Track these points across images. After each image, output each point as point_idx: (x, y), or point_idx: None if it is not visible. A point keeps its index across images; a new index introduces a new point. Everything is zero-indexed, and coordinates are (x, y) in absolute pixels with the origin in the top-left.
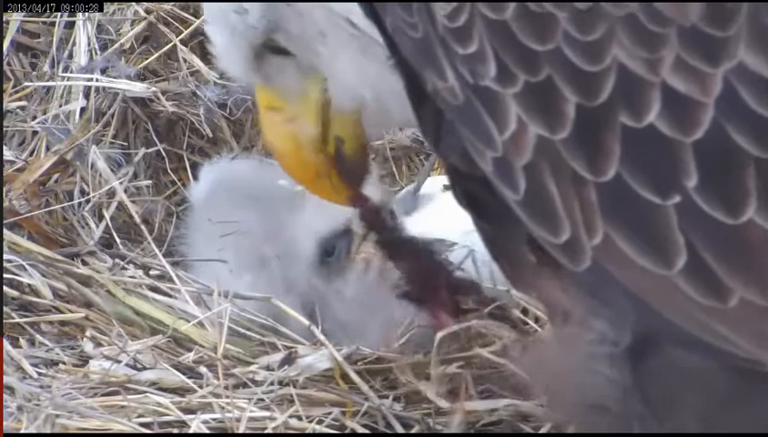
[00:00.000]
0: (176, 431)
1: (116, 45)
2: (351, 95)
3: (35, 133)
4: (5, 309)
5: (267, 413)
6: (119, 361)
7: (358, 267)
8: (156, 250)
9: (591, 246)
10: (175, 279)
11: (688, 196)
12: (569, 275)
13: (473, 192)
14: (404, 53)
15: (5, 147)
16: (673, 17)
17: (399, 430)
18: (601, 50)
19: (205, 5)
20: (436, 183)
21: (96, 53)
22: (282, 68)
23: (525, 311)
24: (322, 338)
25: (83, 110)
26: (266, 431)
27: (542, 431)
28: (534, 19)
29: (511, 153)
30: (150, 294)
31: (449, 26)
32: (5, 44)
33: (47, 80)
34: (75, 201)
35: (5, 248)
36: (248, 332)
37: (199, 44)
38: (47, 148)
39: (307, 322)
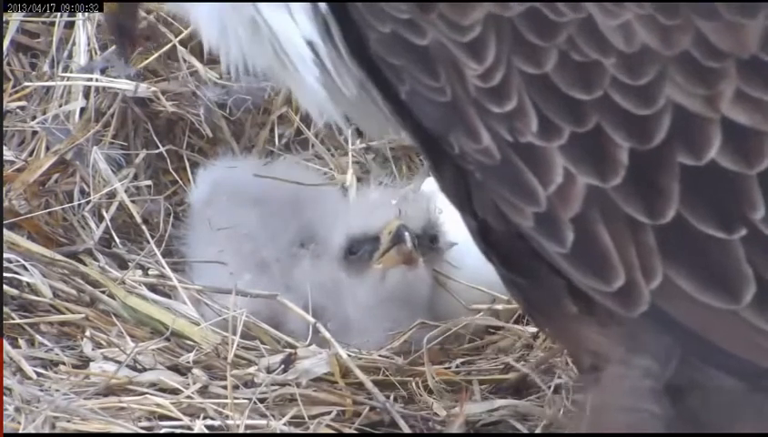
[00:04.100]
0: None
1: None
2: None
3: (34, 133)
4: (5, 309)
5: (267, 413)
6: (119, 363)
7: (376, 274)
8: (158, 252)
9: (649, 289)
10: (174, 281)
11: (755, 227)
12: (615, 320)
13: (505, 247)
14: (423, 119)
15: (5, 147)
16: (731, 50)
17: (405, 429)
18: (653, 92)
19: None
20: (435, 183)
21: (95, 53)
22: None
23: (522, 316)
24: (328, 335)
25: (83, 110)
26: (265, 432)
27: (539, 430)
28: (578, 69)
29: (557, 207)
30: (150, 295)
31: (482, 87)
32: (5, 44)
33: (47, 80)
34: (76, 203)
35: (5, 248)
36: (250, 332)
37: (199, 43)
38: (47, 148)
39: (312, 320)
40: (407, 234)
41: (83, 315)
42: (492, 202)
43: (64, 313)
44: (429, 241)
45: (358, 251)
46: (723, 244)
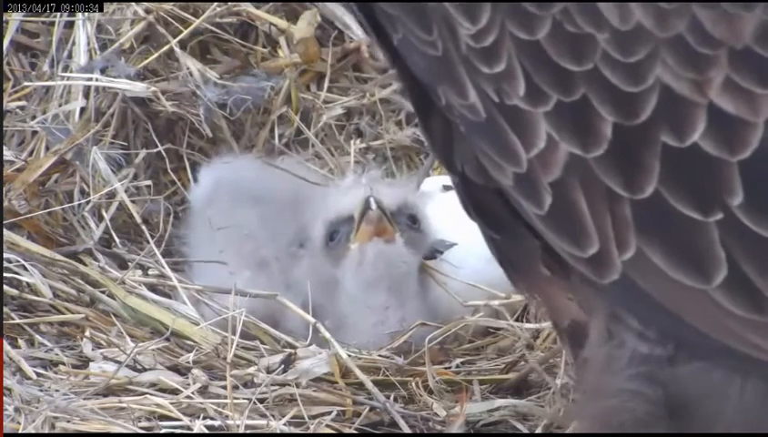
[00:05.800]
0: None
1: (116, 45)
2: None
3: (34, 133)
4: (5, 309)
5: (267, 413)
6: (119, 363)
7: (354, 256)
8: (158, 252)
9: (621, 260)
10: (174, 281)
11: (731, 213)
12: (589, 286)
13: (483, 202)
14: (413, 67)
15: (5, 147)
16: (724, 39)
17: (405, 429)
18: (643, 71)
19: None
20: (435, 182)
21: (95, 53)
22: None
23: (526, 309)
24: (328, 335)
25: (83, 110)
26: (265, 432)
27: (540, 430)
28: (571, 40)
29: (537, 170)
30: (150, 295)
31: (474, 46)
32: (5, 43)
33: (47, 80)
34: (76, 203)
35: (5, 248)
36: (249, 332)
37: (199, 44)
38: (47, 148)
39: (312, 320)
40: (372, 200)
41: (83, 315)
42: (473, 156)
43: (64, 313)
44: (408, 220)
45: (337, 237)
46: (699, 225)
